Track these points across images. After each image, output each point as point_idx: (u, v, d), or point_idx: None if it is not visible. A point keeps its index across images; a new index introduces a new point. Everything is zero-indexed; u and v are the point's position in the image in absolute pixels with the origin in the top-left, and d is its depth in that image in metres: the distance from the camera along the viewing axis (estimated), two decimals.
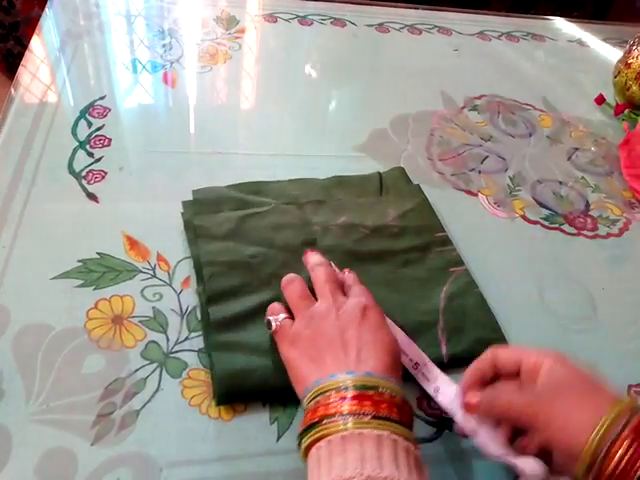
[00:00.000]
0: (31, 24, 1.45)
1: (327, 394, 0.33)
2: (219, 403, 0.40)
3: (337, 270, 0.45)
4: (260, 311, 0.43)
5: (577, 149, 0.71)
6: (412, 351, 0.42)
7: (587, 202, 0.64)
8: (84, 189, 0.54)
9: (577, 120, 0.77)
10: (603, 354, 0.48)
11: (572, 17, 1.06)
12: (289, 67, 0.79)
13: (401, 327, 0.43)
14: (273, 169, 0.59)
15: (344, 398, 0.33)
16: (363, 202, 0.56)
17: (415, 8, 0.96)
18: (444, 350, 0.44)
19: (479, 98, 0.77)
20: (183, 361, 0.42)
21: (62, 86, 0.66)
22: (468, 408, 0.37)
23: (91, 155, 0.57)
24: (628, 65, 0.77)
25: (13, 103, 0.62)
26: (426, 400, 0.42)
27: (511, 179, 0.65)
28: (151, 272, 0.47)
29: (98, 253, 0.48)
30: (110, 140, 0.59)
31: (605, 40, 0.98)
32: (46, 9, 0.79)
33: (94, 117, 0.62)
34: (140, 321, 0.44)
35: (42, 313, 0.43)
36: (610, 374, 0.46)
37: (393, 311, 0.44)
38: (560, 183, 0.66)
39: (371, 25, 0.89)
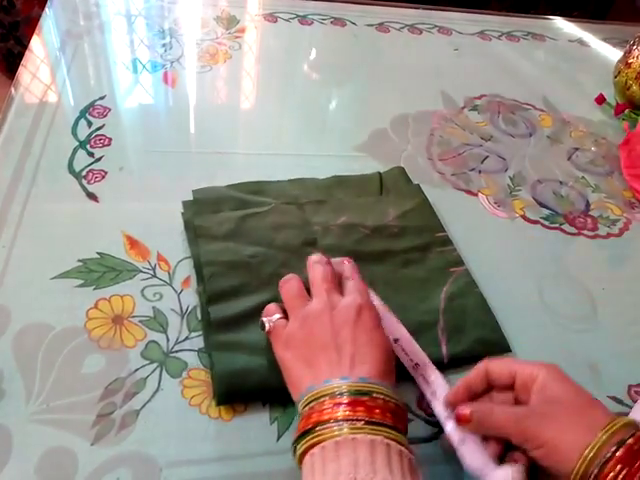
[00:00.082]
0: (31, 24, 1.45)
1: (321, 400, 0.33)
2: (219, 403, 0.40)
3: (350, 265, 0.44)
4: (260, 311, 0.42)
5: (577, 149, 0.71)
6: (414, 351, 0.42)
7: (587, 202, 0.64)
8: (84, 189, 0.54)
9: (577, 120, 0.77)
10: (603, 354, 0.48)
11: (572, 17, 1.06)
12: (289, 67, 0.79)
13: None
14: (273, 169, 0.59)
15: (338, 404, 0.33)
16: (363, 202, 0.56)
17: (415, 8, 0.96)
18: (444, 350, 0.44)
19: (479, 98, 0.77)
20: (183, 361, 0.42)
21: (62, 86, 0.66)
22: (460, 420, 0.36)
23: (91, 155, 0.57)
24: (628, 65, 0.76)
25: (13, 103, 0.62)
26: (426, 400, 0.42)
27: (511, 179, 0.65)
28: (151, 272, 0.47)
29: (98, 253, 0.48)
30: (110, 140, 0.59)
31: (605, 40, 0.98)
32: (46, 9, 0.79)
33: (94, 117, 0.62)
34: (140, 321, 0.44)
35: (42, 313, 0.43)
36: (610, 374, 0.46)
37: (393, 311, 0.44)
38: (560, 183, 0.66)
39: (371, 25, 0.89)
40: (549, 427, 0.33)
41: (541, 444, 0.33)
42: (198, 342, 0.43)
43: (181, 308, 0.45)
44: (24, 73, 0.67)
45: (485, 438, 0.36)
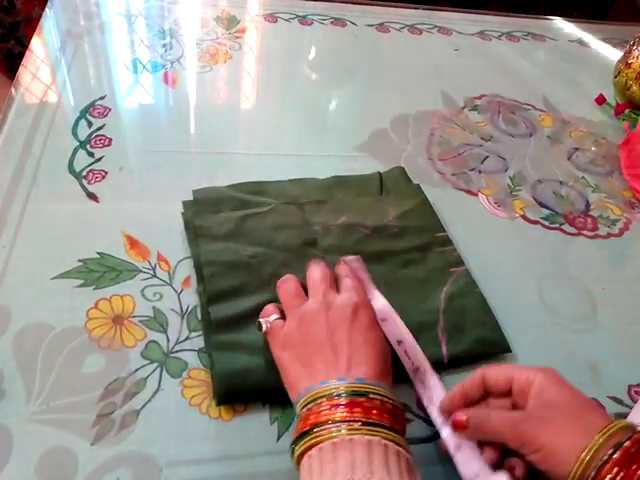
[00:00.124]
0: (31, 24, 1.45)
1: (318, 402, 0.34)
2: (219, 403, 0.40)
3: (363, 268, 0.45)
4: (260, 311, 0.42)
5: (577, 149, 0.71)
6: (416, 355, 0.42)
7: (587, 202, 0.64)
8: (84, 189, 0.54)
9: (577, 120, 0.77)
10: (603, 354, 0.48)
11: (572, 17, 1.06)
12: (289, 67, 0.79)
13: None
14: (273, 169, 0.59)
15: (335, 405, 0.33)
16: (363, 202, 0.56)
17: (415, 8, 0.96)
18: (444, 350, 0.44)
19: (479, 98, 0.77)
20: (183, 361, 0.42)
21: (62, 86, 0.66)
22: (456, 425, 0.36)
23: (91, 155, 0.57)
24: (628, 65, 0.77)
25: (13, 103, 0.62)
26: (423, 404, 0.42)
27: (511, 179, 0.65)
28: (151, 272, 0.47)
29: (98, 253, 0.48)
30: (110, 140, 0.59)
31: (605, 40, 0.98)
32: (46, 9, 0.79)
33: (94, 117, 0.62)
34: (140, 321, 0.44)
35: (42, 313, 0.43)
36: (610, 374, 0.46)
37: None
38: (560, 183, 0.66)
39: (371, 25, 0.89)
40: (546, 431, 0.33)
41: (538, 448, 0.33)
42: (198, 342, 0.43)
43: (181, 308, 0.45)
44: (24, 73, 0.67)
45: (481, 445, 0.36)
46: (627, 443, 0.31)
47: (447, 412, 0.38)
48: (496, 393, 0.38)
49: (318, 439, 0.32)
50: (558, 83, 0.84)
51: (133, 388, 0.40)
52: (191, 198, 0.53)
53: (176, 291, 0.46)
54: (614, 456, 0.31)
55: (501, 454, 0.36)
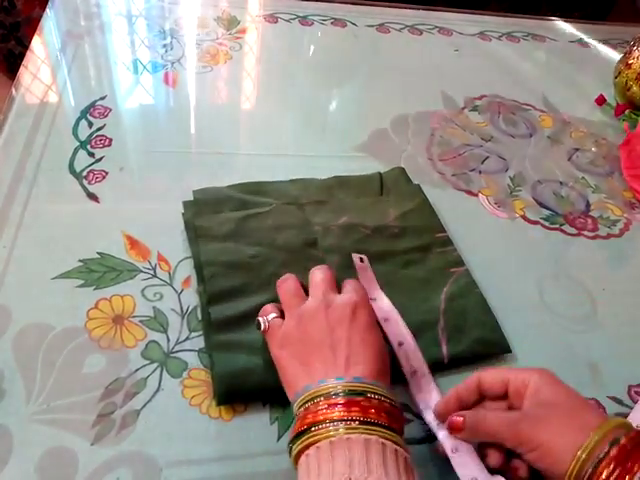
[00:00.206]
0: (32, 24, 1.45)
1: (316, 401, 0.34)
2: (219, 403, 0.40)
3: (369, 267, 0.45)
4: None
5: (577, 149, 0.71)
6: (416, 358, 0.42)
7: (587, 202, 0.64)
8: (85, 189, 0.54)
9: (578, 120, 0.77)
10: (603, 354, 0.48)
11: (573, 17, 1.06)
12: (290, 67, 0.79)
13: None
14: (273, 169, 0.59)
15: (332, 405, 0.33)
16: (363, 202, 0.56)
17: (415, 8, 0.96)
18: (444, 350, 0.44)
19: (479, 98, 0.77)
20: (183, 361, 0.42)
21: (63, 86, 0.66)
22: (453, 427, 0.36)
23: (92, 155, 0.57)
24: (629, 65, 0.77)
25: (14, 103, 0.62)
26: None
27: (511, 179, 0.65)
28: (152, 272, 0.47)
29: (99, 253, 0.48)
30: (111, 140, 0.60)
31: (605, 40, 0.98)
32: (47, 9, 0.79)
33: (95, 117, 0.62)
34: (141, 321, 0.44)
35: (43, 313, 0.43)
36: (610, 374, 0.46)
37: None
38: (560, 183, 0.66)
39: (371, 25, 0.89)
40: (543, 430, 0.33)
41: (535, 447, 0.33)
42: (198, 342, 0.43)
43: (181, 308, 0.45)
44: (25, 74, 0.67)
45: (484, 448, 0.36)
46: (623, 440, 0.31)
47: (442, 416, 0.38)
48: (491, 396, 0.38)
49: (316, 438, 0.32)
50: (558, 83, 0.84)
51: (133, 388, 0.40)
52: (191, 198, 0.53)
53: (176, 291, 0.46)
54: (611, 453, 0.31)
55: (505, 457, 0.36)
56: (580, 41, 0.97)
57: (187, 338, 0.43)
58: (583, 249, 0.58)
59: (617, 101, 0.80)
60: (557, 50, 0.93)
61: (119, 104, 0.65)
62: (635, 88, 0.76)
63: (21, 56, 0.71)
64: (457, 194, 0.61)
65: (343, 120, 0.71)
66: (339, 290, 0.42)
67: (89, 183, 0.54)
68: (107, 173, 0.56)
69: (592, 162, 0.70)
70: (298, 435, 0.33)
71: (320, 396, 0.34)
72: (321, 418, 0.32)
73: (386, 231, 0.53)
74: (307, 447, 0.32)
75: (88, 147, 0.58)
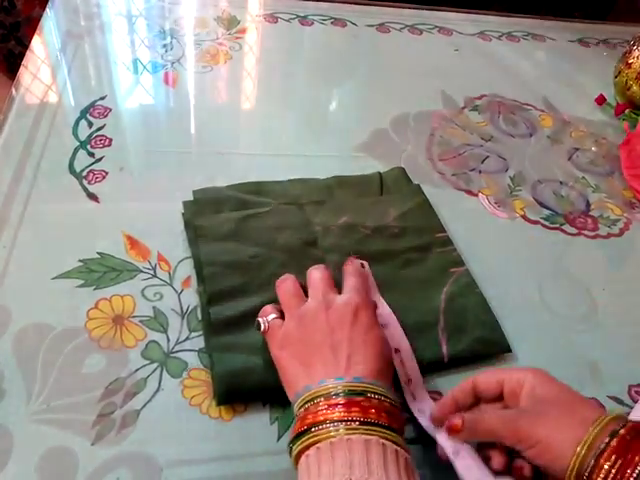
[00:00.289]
0: (32, 24, 1.45)
1: (316, 401, 0.34)
2: (219, 403, 0.40)
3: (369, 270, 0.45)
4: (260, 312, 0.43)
5: (578, 149, 0.71)
6: (411, 366, 0.41)
7: (587, 202, 0.64)
8: (85, 189, 0.54)
9: (578, 120, 0.77)
10: (603, 354, 0.48)
11: (573, 17, 1.06)
12: (289, 67, 0.79)
13: (402, 329, 0.43)
14: (273, 169, 0.59)
15: (332, 405, 0.33)
16: (363, 202, 0.56)
17: (416, 8, 0.96)
18: (444, 350, 0.44)
19: (479, 98, 0.77)
20: (183, 361, 0.42)
21: (63, 86, 0.66)
22: (452, 429, 0.36)
23: (92, 155, 0.57)
24: (629, 65, 0.77)
25: (14, 103, 0.62)
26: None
27: (511, 179, 0.65)
28: (152, 272, 0.47)
29: (99, 253, 0.48)
30: (111, 140, 0.60)
31: (605, 40, 0.98)
32: (47, 9, 0.79)
33: (95, 117, 0.62)
34: (141, 321, 0.44)
35: (43, 313, 0.43)
36: (610, 374, 0.46)
37: (393, 311, 0.45)
38: (561, 183, 0.66)
39: (371, 25, 0.89)
40: (541, 425, 0.33)
41: (534, 443, 0.33)
42: (198, 342, 0.43)
43: (181, 308, 0.45)
44: (25, 73, 0.67)
45: (485, 450, 0.36)
46: (622, 431, 0.31)
47: (439, 420, 0.38)
48: (487, 398, 0.38)
49: (316, 438, 0.32)
50: (558, 83, 0.84)
51: (133, 388, 0.40)
52: (191, 198, 0.53)
53: (176, 291, 0.46)
54: (611, 444, 0.31)
55: (507, 458, 0.36)
56: (580, 41, 0.97)
57: (187, 338, 0.43)
58: (583, 249, 0.58)
59: (617, 101, 0.80)
60: (557, 50, 0.93)
61: (119, 104, 0.65)
62: (635, 87, 0.76)
63: (21, 56, 0.71)
64: (457, 194, 0.61)
65: (343, 120, 0.71)
66: (338, 289, 0.42)
67: (89, 183, 0.54)
68: (107, 173, 0.56)
69: (592, 162, 0.70)
70: (298, 435, 0.33)
71: (320, 396, 0.34)
72: (321, 419, 0.32)
73: (386, 231, 0.53)
74: (307, 448, 0.32)
75: (88, 147, 0.58)
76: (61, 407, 0.38)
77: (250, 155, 0.62)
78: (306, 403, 0.34)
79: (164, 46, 0.76)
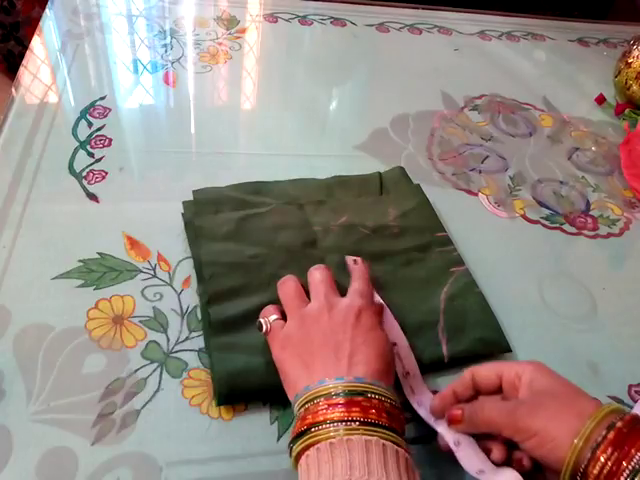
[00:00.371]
0: (32, 24, 1.45)
1: (316, 401, 0.33)
2: (219, 403, 0.40)
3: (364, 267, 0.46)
4: (260, 312, 0.43)
5: (577, 149, 0.71)
6: (408, 359, 0.42)
7: (588, 202, 0.64)
8: (85, 189, 0.54)
9: (577, 120, 0.77)
10: (603, 354, 0.48)
11: (572, 16, 1.06)
12: (289, 67, 0.79)
13: (402, 328, 0.43)
14: (273, 169, 0.59)
15: (332, 405, 0.33)
16: (363, 202, 0.56)
17: (415, 8, 0.96)
18: (445, 350, 0.44)
19: (479, 98, 0.77)
20: (183, 361, 0.42)
21: (63, 86, 0.66)
22: (452, 419, 0.36)
23: (92, 155, 0.57)
24: (628, 64, 0.77)
25: (14, 103, 0.62)
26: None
27: (511, 179, 0.65)
28: (151, 272, 0.47)
29: (99, 253, 0.48)
30: (111, 140, 0.60)
31: (605, 40, 0.98)
32: (47, 9, 0.79)
33: (95, 117, 0.62)
34: (140, 321, 0.44)
35: (43, 313, 0.43)
36: (610, 374, 0.46)
37: (393, 311, 0.45)
38: (561, 183, 0.66)
39: (371, 25, 0.89)
40: (540, 417, 0.33)
41: (533, 434, 0.33)
42: (198, 342, 0.43)
43: (181, 308, 0.45)
44: (25, 74, 0.67)
45: (485, 443, 0.36)
46: (619, 424, 0.31)
47: (439, 412, 0.38)
48: (486, 391, 0.38)
49: (316, 439, 0.32)
50: (558, 83, 0.84)
51: (133, 388, 0.40)
52: (191, 198, 0.53)
53: (176, 291, 0.46)
54: (608, 436, 0.31)
55: (507, 451, 0.36)
56: (580, 40, 0.97)
57: (187, 338, 0.43)
58: (583, 248, 0.58)
59: (617, 100, 0.80)
60: (557, 49, 0.94)
61: (119, 104, 0.65)
62: (635, 87, 0.76)
63: (21, 56, 0.71)
64: (457, 193, 0.61)
65: (343, 120, 0.71)
66: (339, 289, 0.42)
67: (89, 183, 0.54)
68: (107, 173, 0.56)
69: (592, 161, 0.70)
70: (298, 436, 0.33)
71: (320, 396, 0.34)
72: (321, 419, 0.32)
73: (386, 231, 0.53)
74: (307, 448, 0.32)
75: (88, 147, 0.58)
76: (61, 407, 0.38)
77: (250, 155, 0.62)
78: (306, 403, 0.34)
79: (164, 46, 0.76)
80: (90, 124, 0.61)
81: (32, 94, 0.65)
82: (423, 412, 0.39)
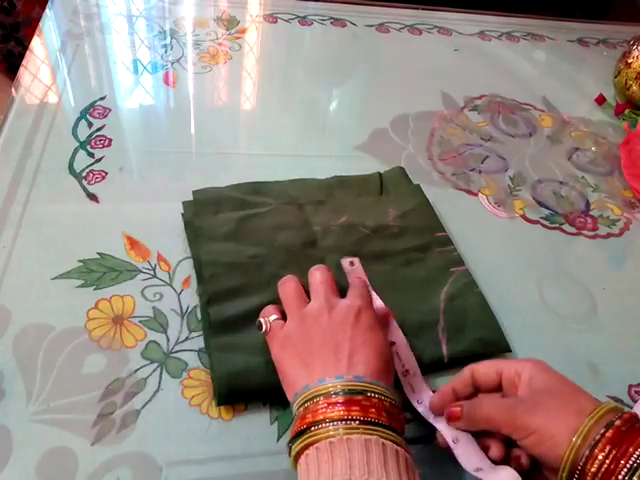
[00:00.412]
0: (32, 25, 1.45)
1: (315, 400, 0.33)
2: (219, 403, 0.40)
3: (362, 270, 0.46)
4: (260, 312, 0.43)
5: (577, 149, 0.71)
6: (407, 358, 0.42)
7: (587, 202, 0.64)
8: (85, 189, 0.54)
9: (577, 120, 0.77)
10: (603, 354, 0.48)
11: (572, 17, 1.06)
12: (289, 67, 0.79)
13: (402, 328, 0.43)
14: (273, 169, 0.59)
15: (332, 404, 0.33)
16: (363, 202, 0.56)
17: (415, 8, 0.96)
18: (444, 350, 0.44)
19: (479, 98, 0.77)
20: (183, 361, 0.42)
21: (63, 86, 0.66)
22: (451, 416, 0.36)
23: (92, 155, 0.57)
24: (628, 65, 0.77)
25: (14, 103, 0.62)
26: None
27: (511, 179, 0.65)
28: (151, 272, 0.47)
29: (99, 253, 0.48)
30: (111, 140, 0.60)
31: (605, 40, 0.98)
32: (47, 10, 0.79)
33: (95, 117, 0.62)
34: (140, 321, 0.44)
35: (43, 313, 0.43)
36: (610, 374, 0.46)
37: (393, 311, 0.45)
38: (560, 183, 0.66)
39: (371, 25, 0.89)
40: (538, 415, 0.33)
41: (531, 432, 0.33)
42: (198, 342, 0.43)
43: (181, 308, 0.45)
44: (25, 74, 0.67)
45: (484, 440, 0.36)
46: (618, 422, 0.31)
47: (438, 409, 0.38)
48: (485, 389, 0.38)
49: (315, 438, 0.32)
50: (558, 83, 0.84)
51: (133, 388, 0.40)
52: (191, 198, 0.53)
53: (176, 291, 0.46)
54: (606, 435, 0.31)
55: (505, 449, 0.36)
56: (580, 41, 0.97)
57: (187, 338, 0.43)
58: (583, 248, 0.58)
59: (617, 100, 0.80)
60: (557, 50, 0.94)
61: (119, 104, 0.65)
62: (635, 87, 0.76)
63: (21, 56, 0.71)
64: (457, 194, 0.61)
65: (343, 120, 0.71)
66: (339, 289, 0.42)
67: (89, 183, 0.54)
68: (107, 173, 0.56)
69: (592, 161, 0.70)
70: (297, 435, 0.33)
71: (320, 395, 0.34)
72: (321, 417, 0.32)
73: (386, 231, 0.53)
74: (307, 447, 0.32)
75: (88, 147, 0.58)
76: (61, 407, 0.38)
77: (250, 155, 0.62)
78: (306, 402, 0.34)
79: (164, 46, 0.76)
80: (90, 124, 0.61)
81: (32, 94, 0.65)
82: (422, 409, 0.39)
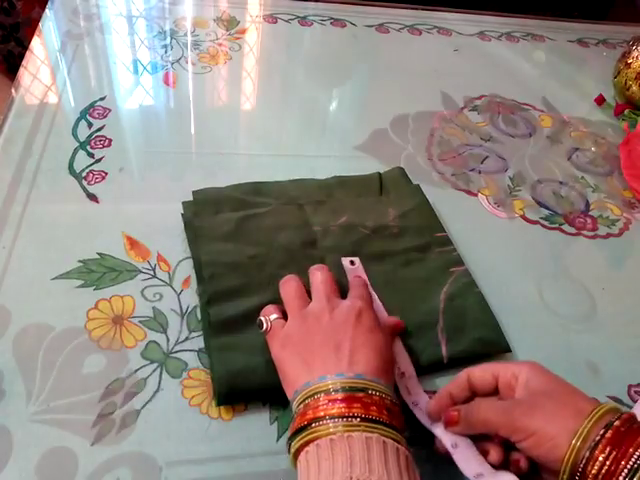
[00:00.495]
0: (32, 25, 1.45)
1: (316, 397, 0.33)
2: (219, 403, 0.40)
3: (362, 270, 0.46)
4: (259, 312, 0.43)
5: (577, 149, 0.71)
6: (403, 360, 0.42)
7: (587, 202, 0.64)
8: (84, 189, 0.54)
9: (577, 120, 0.77)
10: (603, 354, 0.48)
11: (572, 17, 1.06)
12: (289, 67, 0.79)
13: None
14: (273, 169, 0.59)
15: (333, 401, 0.33)
16: (363, 202, 0.56)
17: (415, 8, 0.96)
18: (444, 350, 0.44)
19: (479, 98, 0.77)
20: (183, 361, 0.42)
21: (62, 87, 0.66)
22: (449, 421, 0.36)
23: (91, 156, 0.57)
24: (628, 65, 0.77)
25: (14, 104, 0.62)
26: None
27: (511, 179, 0.65)
28: (151, 272, 0.47)
29: (98, 253, 0.48)
30: (110, 140, 0.60)
31: (605, 40, 0.98)
32: (46, 10, 0.79)
33: (94, 118, 0.62)
34: (140, 321, 0.44)
35: (42, 313, 0.43)
36: (610, 374, 0.46)
37: (393, 311, 0.45)
38: (560, 183, 0.66)
39: (371, 26, 0.89)
40: (537, 417, 0.33)
41: (530, 434, 0.33)
42: (198, 342, 0.43)
43: (181, 308, 0.45)
44: (24, 74, 0.67)
45: (482, 444, 0.36)
46: (617, 423, 0.31)
47: (435, 414, 0.38)
48: (482, 392, 0.38)
49: (315, 434, 0.32)
50: (558, 83, 0.84)
51: (133, 388, 0.40)
52: (191, 198, 0.53)
53: (176, 291, 0.46)
54: (606, 435, 0.31)
55: (504, 453, 0.36)
56: (579, 41, 0.97)
57: (187, 338, 0.43)
58: (583, 249, 0.58)
59: (616, 100, 0.80)
60: (557, 50, 0.94)
61: (119, 104, 0.65)
62: (634, 88, 0.76)
63: (21, 57, 0.71)
64: (457, 194, 0.61)
65: (343, 120, 0.71)
66: (339, 288, 0.42)
67: (89, 183, 0.54)
68: (107, 173, 0.56)
69: (592, 162, 0.70)
70: (297, 431, 0.33)
71: (321, 392, 0.33)
72: (321, 414, 0.32)
73: (385, 231, 0.53)
74: (307, 444, 0.32)
75: (88, 147, 0.58)
76: (61, 407, 0.38)
77: (250, 155, 0.62)
78: (306, 399, 0.34)
79: (164, 47, 0.76)
80: (90, 124, 0.61)
81: (32, 94, 0.65)
82: (419, 413, 0.39)
